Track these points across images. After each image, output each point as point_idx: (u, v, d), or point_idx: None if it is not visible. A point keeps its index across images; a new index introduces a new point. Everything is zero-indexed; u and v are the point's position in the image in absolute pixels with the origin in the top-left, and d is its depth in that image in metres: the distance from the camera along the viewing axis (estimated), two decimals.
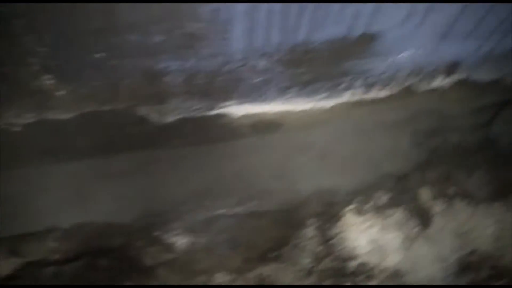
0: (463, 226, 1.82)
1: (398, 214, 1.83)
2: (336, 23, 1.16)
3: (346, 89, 1.54)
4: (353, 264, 1.73)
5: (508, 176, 1.91)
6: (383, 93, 1.63)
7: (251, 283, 1.68)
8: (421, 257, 1.76)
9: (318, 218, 1.80)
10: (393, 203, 1.85)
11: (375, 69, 1.44)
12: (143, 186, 1.74)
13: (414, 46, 1.36)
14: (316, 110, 1.65)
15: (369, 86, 1.56)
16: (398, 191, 1.87)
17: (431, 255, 1.76)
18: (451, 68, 1.54)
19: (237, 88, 1.39)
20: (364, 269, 1.72)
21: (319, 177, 1.82)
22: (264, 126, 1.68)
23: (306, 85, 1.46)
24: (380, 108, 1.74)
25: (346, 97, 1.60)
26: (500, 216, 1.84)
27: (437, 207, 1.85)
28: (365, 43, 1.28)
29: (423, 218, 1.83)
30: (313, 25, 1.16)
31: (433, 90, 1.68)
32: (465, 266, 1.74)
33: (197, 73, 1.27)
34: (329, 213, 1.82)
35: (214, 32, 1.12)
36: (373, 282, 1.68)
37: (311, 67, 1.36)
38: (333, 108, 1.66)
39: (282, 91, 1.48)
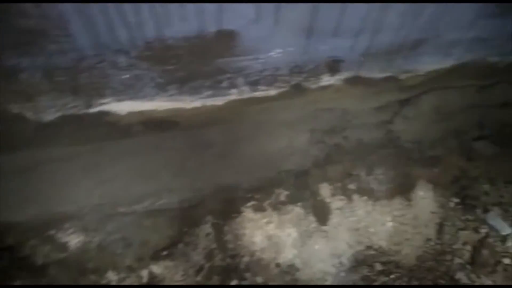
0: (361, 222, 1.84)
1: (296, 211, 1.85)
2: (182, 20, 1.15)
3: (230, 87, 1.53)
4: (245, 260, 1.73)
5: (408, 173, 1.93)
6: (273, 91, 1.63)
7: (142, 281, 1.67)
8: (316, 252, 1.77)
9: (216, 215, 1.80)
10: (292, 200, 1.86)
11: (250, 67, 1.44)
12: (36, 186, 1.71)
13: (281, 45, 1.36)
14: (209, 108, 1.64)
15: (253, 84, 1.56)
16: (297, 188, 1.88)
17: (326, 251, 1.78)
18: (332, 65, 1.55)
19: (107, 85, 1.37)
20: (256, 265, 1.73)
21: (219, 175, 1.82)
22: (156, 124, 1.67)
23: (184, 83, 1.45)
24: (276, 106, 1.74)
25: (234, 95, 1.59)
26: (398, 212, 1.86)
27: (336, 204, 1.87)
28: (225, 40, 1.27)
29: (321, 214, 1.85)
30: (157, 22, 1.15)
31: (325, 88, 1.68)
32: (359, 261, 1.76)
33: (54, 70, 1.25)
34: (228, 210, 1.82)
35: (53, 28, 1.09)
36: (263, 278, 1.69)
37: (180, 64, 1.35)
38: (225, 106, 1.65)
39: (161, 88, 1.47)
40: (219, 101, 1.61)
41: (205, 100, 1.59)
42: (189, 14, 1.14)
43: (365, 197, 1.90)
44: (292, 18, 1.23)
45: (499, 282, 1.76)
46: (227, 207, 1.83)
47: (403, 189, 1.92)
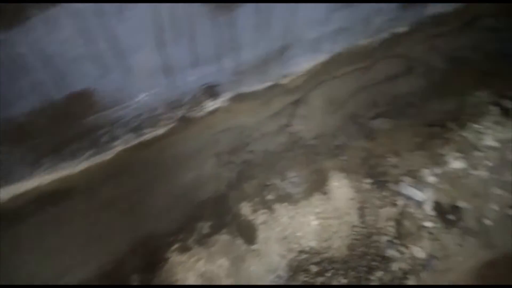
0: (287, 230, 1.84)
1: (222, 239, 1.81)
2: (20, 98, 1.06)
3: (112, 139, 1.46)
4: None
5: (319, 168, 1.96)
6: (161, 130, 1.57)
7: None
8: (252, 274, 1.74)
9: (141, 272, 1.71)
10: (215, 229, 1.82)
11: (125, 115, 1.39)
12: None
13: (144, 89, 1.31)
14: (98, 166, 1.55)
15: (136, 130, 1.49)
16: (218, 215, 1.85)
17: (261, 269, 1.76)
18: (209, 91, 1.52)
19: None
20: None
21: (132, 229, 1.73)
22: (48, 199, 1.54)
23: (58, 151, 1.35)
24: (171, 142, 1.68)
25: (120, 146, 1.51)
26: (319, 208, 1.88)
27: (260, 218, 1.85)
28: (82, 100, 1.20)
29: (248, 234, 1.83)
30: None
31: (213, 112, 1.65)
32: (295, 269, 1.76)
33: None
34: (153, 262, 1.74)
35: None
36: None
37: (45, 135, 1.25)
38: (115, 159, 1.57)
39: (34, 164, 1.35)
40: (106, 156, 1.53)
41: (90, 160, 1.50)
42: (24, 90, 1.05)
43: (285, 204, 1.90)
44: (141, 64, 1.18)
45: (427, 246, 1.85)
46: (151, 259, 1.75)
47: (318, 185, 1.95)
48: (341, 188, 1.96)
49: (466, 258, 1.85)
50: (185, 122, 1.62)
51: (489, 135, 2.09)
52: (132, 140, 1.54)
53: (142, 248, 1.74)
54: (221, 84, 1.53)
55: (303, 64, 1.72)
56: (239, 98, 1.68)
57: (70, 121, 1.26)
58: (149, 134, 1.57)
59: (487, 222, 1.92)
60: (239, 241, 1.82)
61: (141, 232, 1.74)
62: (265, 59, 1.53)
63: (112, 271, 1.71)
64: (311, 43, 1.60)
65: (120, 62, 1.14)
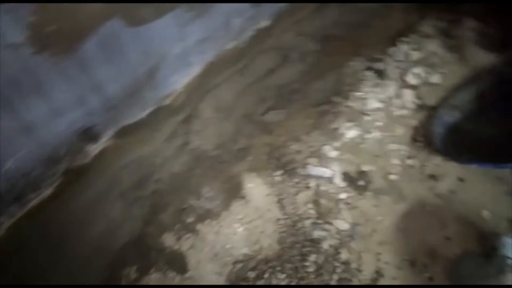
0: (216, 246, 1.81)
1: (153, 278, 1.73)
2: None
3: None
4: None
5: (230, 176, 1.97)
6: (48, 191, 1.45)
7: None
8: None
9: None
10: (142, 272, 1.73)
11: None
12: None
13: (11, 154, 1.19)
14: None
15: (19, 199, 1.39)
16: (142, 256, 1.76)
17: None
18: (87, 134, 1.44)
19: None
20: None
21: None
22: None
23: None
24: (66, 199, 1.56)
25: (7, 221, 1.38)
26: (241, 214, 1.89)
27: (186, 244, 1.80)
28: None
29: (178, 264, 1.77)
30: None
31: (102, 152, 1.57)
32: (234, 281, 1.76)
33: None
34: None
35: None
36: None
37: None
38: (6, 235, 1.40)
39: None
40: None
41: None
42: None
43: (207, 221, 1.89)
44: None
45: (347, 216, 1.94)
46: None
47: (234, 191, 1.96)
48: (256, 188, 1.98)
49: (384, 216, 1.97)
50: (73, 174, 1.52)
51: (371, 98, 2.26)
52: (18, 212, 1.41)
53: None
54: (97, 124, 1.46)
55: (179, 80, 1.71)
56: (125, 132, 1.62)
57: None
58: (35, 200, 1.45)
59: (393, 177, 2.07)
60: (171, 274, 1.77)
61: None
62: (136, 87, 1.49)
63: None
64: (178, 59, 1.60)
65: None
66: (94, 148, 1.53)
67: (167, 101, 1.72)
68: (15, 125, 1.14)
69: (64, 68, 1.13)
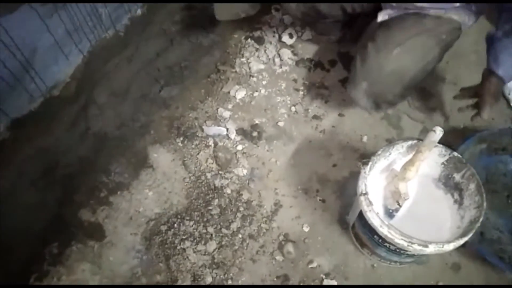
0: (129, 212, 2.01)
1: (74, 249, 1.91)
2: None
3: None
4: None
5: (136, 151, 2.19)
6: None
7: None
8: (113, 261, 1.90)
9: None
10: (65, 246, 1.92)
11: None
12: None
13: None
14: None
15: None
16: (61, 234, 1.96)
17: (120, 253, 1.94)
18: None
19: None
20: None
21: None
22: None
23: None
24: None
25: None
26: (150, 181, 2.10)
27: (101, 216, 2.00)
28: None
29: (96, 233, 1.97)
30: None
31: (2, 145, 1.73)
32: (148, 237, 1.96)
33: None
34: None
35: None
36: None
37: None
38: None
39: None
40: None
41: None
42: None
43: (119, 192, 2.10)
44: None
45: (245, 164, 2.20)
46: None
47: (141, 163, 2.19)
48: (161, 156, 2.22)
49: (277, 157, 2.26)
50: None
51: (253, 62, 2.55)
52: None
53: None
54: None
55: (63, 71, 1.90)
56: (18, 124, 1.78)
57: None
58: None
59: (281, 124, 2.37)
60: (91, 243, 1.96)
61: None
62: (14, 79, 1.68)
63: None
64: (52, 50, 1.79)
65: None
66: None
67: (56, 92, 1.90)
68: None
69: None
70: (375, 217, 1.54)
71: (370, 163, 1.66)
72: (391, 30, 1.90)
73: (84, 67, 2.03)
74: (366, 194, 1.58)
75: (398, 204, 1.70)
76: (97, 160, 2.15)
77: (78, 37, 1.92)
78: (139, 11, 2.21)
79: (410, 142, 1.72)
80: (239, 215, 2.05)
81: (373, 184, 1.71)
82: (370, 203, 1.56)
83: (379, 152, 1.70)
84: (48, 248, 1.92)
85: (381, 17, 1.97)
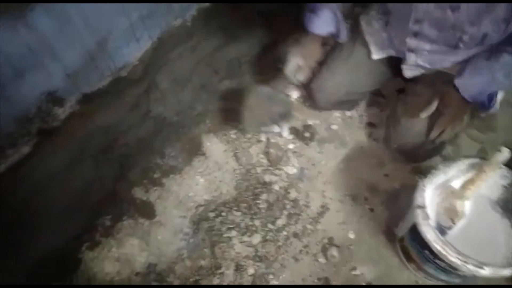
0: (180, 195, 2.09)
1: (125, 224, 2.00)
2: None
3: None
4: None
5: (191, 137, 2.26)
6: (26, 148, 1.72)
7: None
8: (162, 241, 1.96)
9: (58, 279, 1.83)
10: (117, 219, 2.00)
11: None
12: None
13: None
14: None
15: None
16: (115, 207, 2.03)
17: (168, 234, 1.98)
18: (52, 98, 1.71)
19: None
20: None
21: (33, 250, 1.83)
22: None
23: None
24: (42, 157, 1.81)
25: None
26: (202, 168, 2.16)
27: (153, 195, 2.08)
28: None
29: (146, 211, 2.04)
30: None
31: (70, 118, 1.84)
32: (197, 221, 2.01)
33: None
34: (66, 267, 1.86)
35: None
36: None
37: None
38: None
39: None
40: None
41: None
42: None
43: (171, 175, 2.15)
44: None
45: (295, 163, 2.21)
46: (65, 266, 1.88)
47: (194, 150, 2.24)
48: (214, 145, 2.27)
49: (328, 160, 2.25)
50: (46, 135, 1.78)
51: None
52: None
53: (52, 261, 1.87)
54: (60, 89, 1.73)
55: (132, 54, 1.99)
56: (87, 99, 1.88)
57: None
58: (14, 156, 1.70)
59: (335, 127, 2.36)
60: (141, 220, 2.03)
61: (45, 249, 1.86)
62: (89, 57, 1.77)
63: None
64: (127, 33, 1.88)
65: None
66: (62, 112, 1.80)
67: (123, 73, 1.98)
68: None
69: (20, 31, 1.42)
70: (430, 231, 1.50)
71: (430, 176, 1.62)
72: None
73: (151, 52, 2.11)
74: (423, 207, 1.55)
75: (453, 222, 1.65)
76: (154, 143, 2.23)
77: (150, 23, 2.00)
78: (207, 3, 2.26)
79: (472, 160, 1.66)
80: (285, 212, 2.06)
81: (427, 198, 1.67)
82: (427, 216, 1.53)
83: (440, 167, 1.66)
84: (101, 220, 2.00)
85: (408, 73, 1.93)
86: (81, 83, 1.83)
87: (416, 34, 1.65)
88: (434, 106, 1.80)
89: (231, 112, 2.24)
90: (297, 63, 2.00)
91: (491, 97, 1.71)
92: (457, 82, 1.65)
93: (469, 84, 1.63)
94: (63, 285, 1.81)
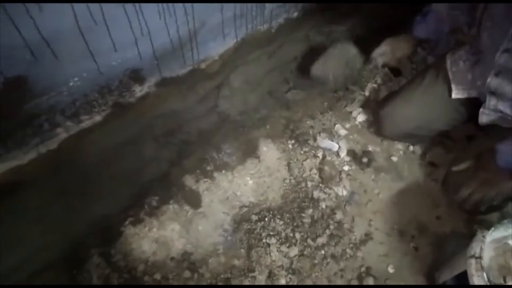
0: (228, 192, 2.12)
1: (170, 208, 2.06)
2: None
3: (53, 127, 1.67)
4: (141, 268, 1.88)
5: (248, 139, 2.29)
6: (98, 117, 1.84)
7: None
8: (201, 232, 1.99)
9: (99, 246, 1.91)
10: (163, 201, 2.07)
11: (61, 101, 1.62)
12: None
13: (74, 73, 1.58)
14: (46, 155, 1.75)
15: (74, 117, 1.73)
16: (164, 190, 2.10)
17: (209, 227, 2.01)
18: (134, 76, 1.82)
19: None
20: (152, 268, 1.88)
21: (87, 213, 1.94)
22: (2, 190, 1.71)
23: (2, 143, 1.55)
24: (108, 129, 1.93)
25: (62, 134, 1.75)
26: (253, 170, 2.19)
27: (202, 186, 2.13)
28: (14, 87, 1.43)
29: (193, 200, 2.09)
30: None
31: (144, 97, 1.95)
32: (238, 221, 2.02)
33: None
34: (109, 237, 1.95)
35: None
36: (160, 274, 1.85)
37: None
38: (61, 147, 1.78)
39: None
40: (51, 144, 1.74)
41: (37, 149, 1.71)
42: None
43: (223, 171, 2.20)
44: (67, 49, 1.48)
45: (347, 185, 2.18)
46: (107, 235, 1.96)
47: (249, 152, 2.27)
48: (269, 151, 2.29)
49: (381, 190, 2.20)
50: (119, 108, 1.89)
51: (384, 90, 2.51)
52: (73, 128, 1.78)
53: (96, 228, 1.96)
54: (144, 69, 1.83)
55: (216, 49, 2.06)
56: (164, 83, 1.98)
57: (7, 109, 1.49)
58: (87, 122, 1.81)
59: (395, 159, 2.30)
60: (186, 207, 2.08)
61: (94, 214, 1.96)
62: (179, 44, 1.86)
63: (72, 252, 1.91)
64: (216, 28, 1.95)
65: (48, 47, 1.42)
66: (139, 91, 1.90)
67: (202, 66, 2.06)
68: (84, 49, 1.54)
69: (128, 10, 1.52)
70: (482, 283, 1.41)
71: (492, 229, 1.53)
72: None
73: (233, 51, 2.17)
74: (479, 258, 1.46)
75: (504, 280, 1.54)
76: (213, 136, 2.29)
77: (240, 23, 2.07)
78: (295, 14, 2.30)
79: None
80: (327, 232, 2.02)
81: (484, 250, 1.57)
82: (481, 268, 1.44)
83: (504, 221, 1.56)
84: (149, 199, 2.07)
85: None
86: (164, 67, 1.92)
87: (497, 74, 1.59)
88: (465, 164, 1.80)
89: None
90: (386, 49, 2.08)
91: None
92: (498, 146, 1.57)
93: (507, 151, 1.55)
94: (63, 285, 1.83)
